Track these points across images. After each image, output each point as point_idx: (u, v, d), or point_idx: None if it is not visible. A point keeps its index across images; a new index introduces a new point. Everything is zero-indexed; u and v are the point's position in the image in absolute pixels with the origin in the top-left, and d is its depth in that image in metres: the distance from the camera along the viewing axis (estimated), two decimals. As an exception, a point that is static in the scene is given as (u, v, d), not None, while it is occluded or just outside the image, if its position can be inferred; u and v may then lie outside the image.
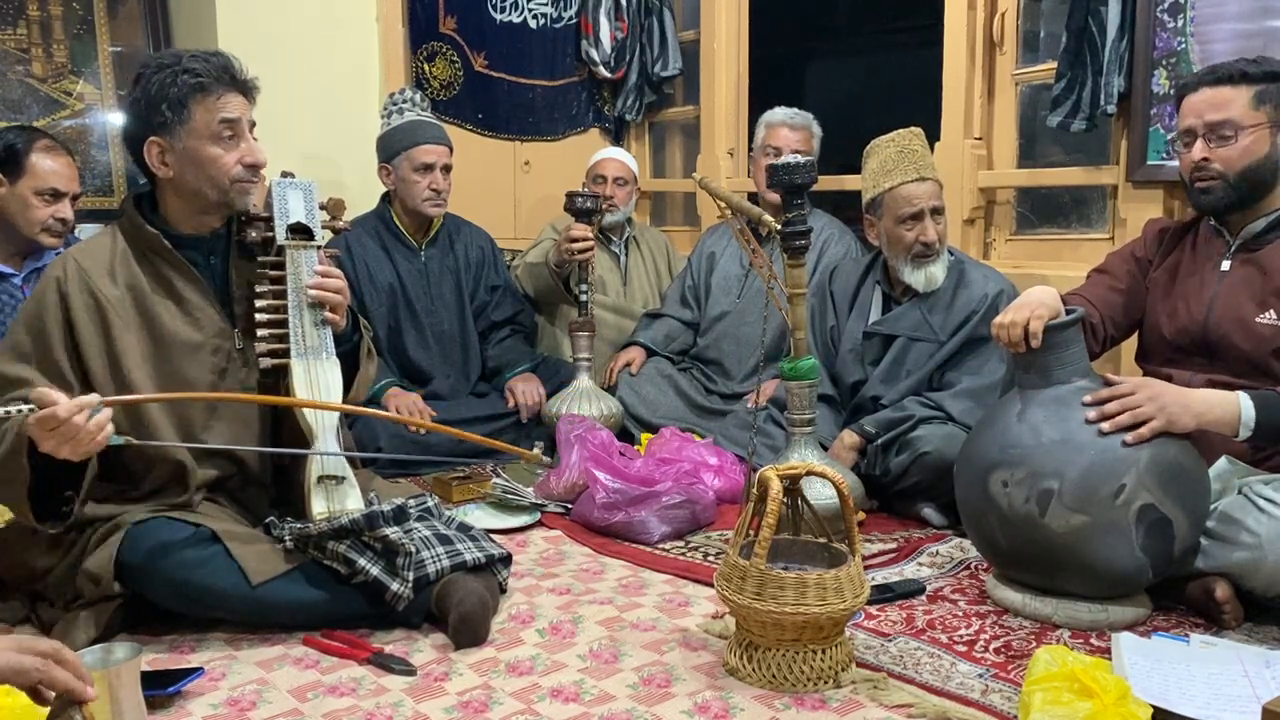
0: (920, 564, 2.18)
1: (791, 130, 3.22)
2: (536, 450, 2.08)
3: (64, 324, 1.84)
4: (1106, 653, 1.67)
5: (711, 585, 1.84)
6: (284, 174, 2.09)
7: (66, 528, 1.76)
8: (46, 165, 2.61)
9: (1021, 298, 1.99)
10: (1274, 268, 1.99)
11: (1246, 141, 1.96)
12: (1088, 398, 1.83)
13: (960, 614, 1.90)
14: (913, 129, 2.62)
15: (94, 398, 1.64)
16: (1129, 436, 1.77)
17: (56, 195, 2.62)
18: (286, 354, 1.92)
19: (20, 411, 1.58)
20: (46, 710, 1.16)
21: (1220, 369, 2.00)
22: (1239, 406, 1.82)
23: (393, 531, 1.80)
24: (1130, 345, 2.32)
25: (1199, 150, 2.00)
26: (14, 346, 1.85)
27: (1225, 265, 2.06)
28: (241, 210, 1.96)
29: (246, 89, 1.93)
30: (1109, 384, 1.86)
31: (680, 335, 3.37)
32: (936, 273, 2.60)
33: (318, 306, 1.97)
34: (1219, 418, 1.83)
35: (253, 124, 1.94)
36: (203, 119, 1.86)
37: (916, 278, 2.60)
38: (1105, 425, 1.79)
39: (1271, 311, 1.96)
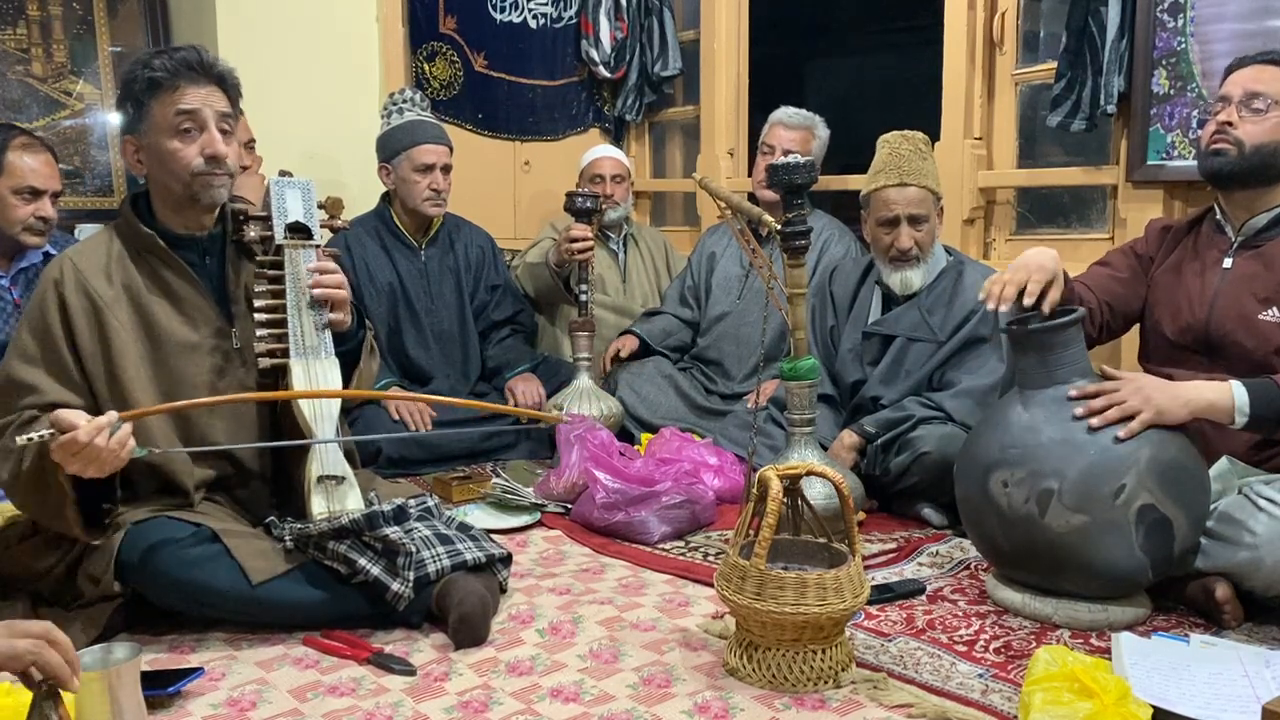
0: (920, 564, 2.18)
1: (787, 129, 3.22)
2: (557, 412, 2.09)
3: (64, 326, 1.84)
4: (1106, 653, 1.67)
5: (711, 585, 1.84)
6: (282, 173, 2.09)
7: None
8: (24, 163, 2.57)
9: (1020, 259, 1.97)
10: (1276, 264, 1.99)
11: (1276, 120, 1.98)
12: (1073, 391, 1.83)
13: (960, 614, 1.90)
14: (915, 133, 2.60)
15: (112, 416, 1.62)
16: (1120, 431, 1.77)
17: (35, 193, 2.59)
18: (285, 354, 1.92)
19: (42, 437, 1.57)
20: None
21: (1222, 367, 2.00)
22: (1232, 393, 1.82)
23: (393, 531, 1.79)
24: (1132, 346, 2.31)
25: (1226, 114, 2.01)
26: (22, 350, 1.84)
27: (1227, 263, 2.06)
28: (212, 205, 1.93)
29: (219, 79, 1.89)
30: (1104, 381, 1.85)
31: (677, 332, 3.37)
32: (913, 278, 2.61)
33: (319, 305, 1.97)
34: (1212, 403, 1.81)
35: (224, 115, 1.89)
36: (160, 113, 1.86)
37: (893, 280, 2.63)
38: (1094, 421, 1.79)
39: (1275, 309, 1.96)
